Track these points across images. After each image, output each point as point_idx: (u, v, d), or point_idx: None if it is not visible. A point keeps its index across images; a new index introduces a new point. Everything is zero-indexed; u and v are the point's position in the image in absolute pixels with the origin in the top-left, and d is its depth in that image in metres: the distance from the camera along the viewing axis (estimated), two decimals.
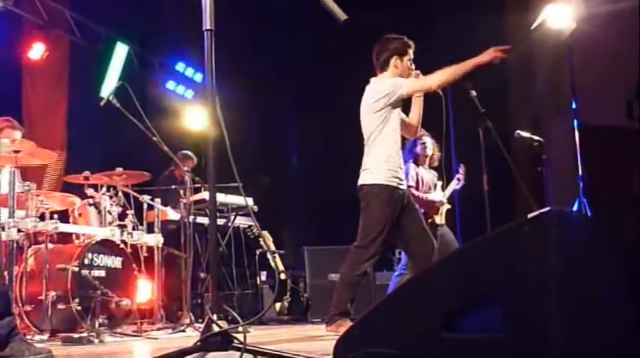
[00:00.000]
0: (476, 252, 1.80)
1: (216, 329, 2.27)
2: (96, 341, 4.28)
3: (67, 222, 5.25)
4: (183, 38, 8.90)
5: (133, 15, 8.38)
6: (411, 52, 4.52)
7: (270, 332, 5.57)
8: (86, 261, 4.95)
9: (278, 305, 7.26)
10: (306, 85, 9.59)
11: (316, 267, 7.72)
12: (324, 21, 2.81)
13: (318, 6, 2.66)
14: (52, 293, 4.66)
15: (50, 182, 6.18)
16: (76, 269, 4.81)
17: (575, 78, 6.16)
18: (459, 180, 6.19)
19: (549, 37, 6.70)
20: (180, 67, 10.07)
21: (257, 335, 4.69)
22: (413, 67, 4.52)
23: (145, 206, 5.74)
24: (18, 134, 5.23)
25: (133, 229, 5.46)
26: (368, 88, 4.52)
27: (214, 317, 2.30)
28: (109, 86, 7.99)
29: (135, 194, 5.66)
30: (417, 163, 6.05)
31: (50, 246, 4.87)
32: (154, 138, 5.59)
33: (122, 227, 5.37)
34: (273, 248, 7.38)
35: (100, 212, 5.33)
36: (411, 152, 5.97)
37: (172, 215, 6.42)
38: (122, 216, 5.44)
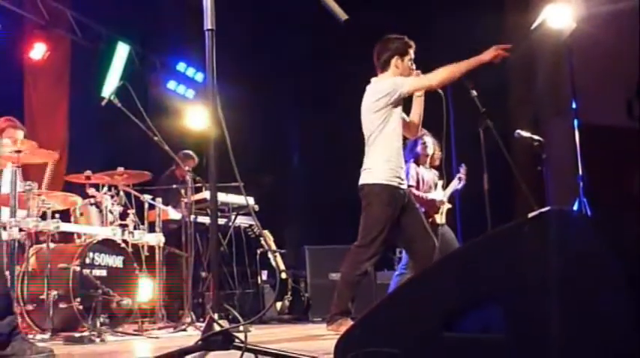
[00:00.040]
0: (476, 251, 1.81)
1: (217, 328, 2.26)
2: (97, 340, 4.29)
3: (69, 222, 5.27)
4: (184, 38, 8.92)
5: (134, 15, 8.39)
6: (411, 51, 4.53)
7: (271, 332, 5.57)
8: (87, 261, 4.95)
9: (279, 304, 7.26)
10: (307, 84, 9.60)
11: (317, 266, 7.73)
12: (324, 21, 2.82)
13: (319, 6, 2.66)
14: (54, 293, 4.66)
15: (52, 181, 6.17)
16: (78, 268, 4.83)
17: (575, 78, 6.16)
18: (460, 179, 6.20)
19: (549, 37, 6.70)
20: (181, 66, 10.08)
21: (258, 335, 4.69)
22: (414, 66, 4.52)
23: (146, 205, 5.75)
24: (20, 134, 5.24)
25: (135, 228, 5.46)
26: (369, 88, 4.52)
27: (215, 316, 2.30)
28: (110, 86, 7.99)
29: (136, 193, 5.67)
30: (417, 163, 6.06)
31: (52, 245, 4.88)
32: (155, 138, 5.61)
33: (123, 226, 5.37)
34: (274, 247, 7.38)
35: (101, 211, 5.34)
36: (411, 151, 5.98)
37: (173, 214, 6.44)
38: (123, 216, 5.44)
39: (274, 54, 9.45)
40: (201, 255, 6.58)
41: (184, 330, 5.24)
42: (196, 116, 8.99)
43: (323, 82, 9.13)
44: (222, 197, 6.46)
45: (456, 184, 6.22)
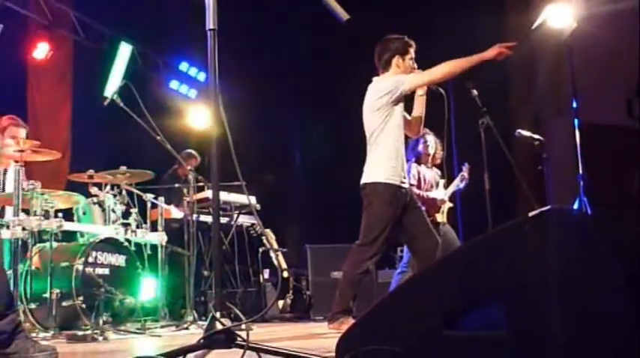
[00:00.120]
0: (477, 250, 1.82)
1: (219, 326, 2.27)
2: (100, 338, 4.31)
3: (71, 221, 5.28)
4: (186, 38, 8.93)
5: (136, 15, 8.40)
6: (412, 51, 4.53)
7: (272, 330, 5.59)
8: (90, 259, 4.97)
9: (281, 302, 7.27)
10: (307, 84, 9.60)
11: (319, 265, 7.75)
12: (324, 21, 2.83)
13: (320, 6, 2.67)
14: (57, 291, 4.68)
15: (55, 179, 6.21)
16: (81, 267, 4.84)
17: (575, 77, 6.16)
18: (463, 179, 6.21)
19: (550, 37, 6.70)
20: (183, 66, 10.09)
21: (260, 333, 4.71)
22: (415, 66, 4.53)
23: (149, 204, 5.76)
24: (22, 132, 5.25)
25: (137, 227, 5.47)
26: (370, 87, 4.52)
27: (217, 314, 2.30)
28: (112, 85, 7.99)
29: (139, 192, 5.68)
30: (419, 162, 6.07)
31: (55, 244, 4.89)
32: (158, 137, 5.62)
33: (126, 225, 5.38)
34: (275, 246, 7.39)
35: (104, 210, 5.36)
36: (413, 150, 5.99)
37: (176, 213, 6.45)
38: (126, 215, 5.46)
39: (274, 54, 9.46)
40: (203, 254, 6.59)
41: (187, 329, 5.26)
42: (198, 115, 9.01)
43: (323, 82, 9.13)
44: (224, 196, 6.49)
45: (458, 183, 6.23)
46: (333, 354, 2.01)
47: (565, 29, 6.20)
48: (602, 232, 1.72)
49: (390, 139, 4.38)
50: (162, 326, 5.33)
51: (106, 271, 5.08)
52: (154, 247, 5.67)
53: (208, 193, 6.25)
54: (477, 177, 5.73)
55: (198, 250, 6.07)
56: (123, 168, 5.43)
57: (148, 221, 5.69)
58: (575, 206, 5.85)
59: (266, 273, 7.62)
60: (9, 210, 4.88)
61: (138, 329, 4.95)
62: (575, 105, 6.14)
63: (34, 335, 4.27)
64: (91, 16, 8.43)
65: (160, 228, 5.72)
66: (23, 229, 4.60)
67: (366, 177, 4.42)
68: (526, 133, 6.21)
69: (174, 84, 9.93)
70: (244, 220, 7.17)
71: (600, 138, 6.69)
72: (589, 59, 6.71)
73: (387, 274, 7.33)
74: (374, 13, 7.20)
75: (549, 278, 1.62)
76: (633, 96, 6.95)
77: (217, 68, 2.53)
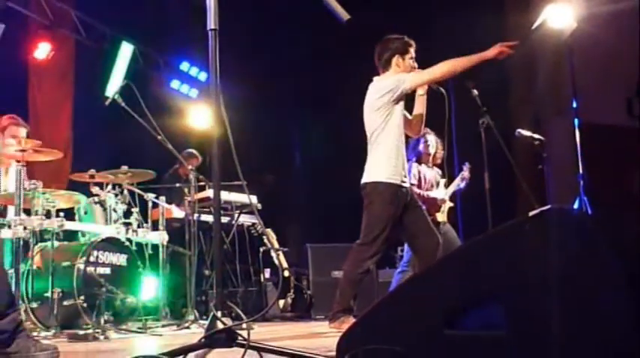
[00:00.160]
0: (477, 249, 1.82)
1: (220, 326, 2.27)
2: (101, 337, 4.31)
3: (73, 220, 5.29)
4: (187, 38, 8.94)
5: (137, 15, 8.40)
6: (412, 50, 4.54)
7: (273, 329, 5.60)
8: (92, 259, 4.97)
9: (281, 302, 7.28)
10: (307, 84, 9.60)
11: (319, 264, 7.75)
12: (324, 21, 2.84)
13: (321, 6, 2.68)
14: (58, 291, 4.69)
15: (57, 179, 6.21)
16: (82, 266, 4.85)
17: (575, 77, 6.16)
18: (463, 178, 6.22)
19: (550, 37, 6.71)
20: (184, 66, 10.10)
21: (261, 332, 4.72)
22: (415, 65, 4.53)
23: (150, 204, 5.77)
24: (23, 131, 5.25)
25: (138, 227, 5.48)
26: (371, 86, 4.52)
27: (218, 314, 2.31)
28: (114, 85, 8.00)
29: (140, 192, 5.69)
30: (419, 161, 6.07)
31: (56, 243, 4.90)
32: (159, 137, 5.63)
33: (127, 225, 5.39)
34: (276, 245, 7.40)
35: (105, 210, 5.36)
36: (414, 150, 5.99)
37: (177, 213, 6.46)
38: (127, 214, 5.46)
39: (275, 54, 9.46)
40: (204, 253, 6.60)
41: (188, 328, 5.27)
42: (199, 115, 9.01)
43: (323, 82, 9.13)
44: (225, 195, 6.50)
45: (458, 183, 6.23)
46: (334, 353, 2.01)
47: (565, 29, 6.21)
48: (602, 232, 1.72)
49: (390, 139, 4.38)
50: (163, 326, 5.33)
51: (108, 270, 5.09)
52: (155, 246, 5.67)
53: (209, 193, 6.26)
54: (477, 176, 5.74)
55: (199, 249, 6.09)
56: (124, 167, 5.44)
57: (149, 220, 5.69)
58: (576, 206, 5.85)
59: (267, 273, 7.62)
60: (11, 210, 4.89)
61: (139, 328, 4.95)
62: (575, 105, 6.15)
63: (35, 334, 4.27)
64: (92, 16, 8.44)
65: (161, 227, 5.73)
66: (25, 229, 4.60)
67: (367, 177, 4.42)
68: (526, 133, 6.21)
69: (175, 83, 9.94)
70: (245, 220, 7.18)
71: (600, 138, 6.70)
72: (589, 59, 6.71)
73: (387, 273, 7.34)
74: (374, 13, 7.20)
75: (549, 278, 1.62)
76: (633, 96, 6.96)
77: (218, 68, 2.54)
